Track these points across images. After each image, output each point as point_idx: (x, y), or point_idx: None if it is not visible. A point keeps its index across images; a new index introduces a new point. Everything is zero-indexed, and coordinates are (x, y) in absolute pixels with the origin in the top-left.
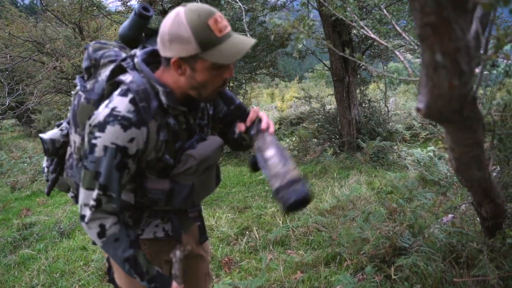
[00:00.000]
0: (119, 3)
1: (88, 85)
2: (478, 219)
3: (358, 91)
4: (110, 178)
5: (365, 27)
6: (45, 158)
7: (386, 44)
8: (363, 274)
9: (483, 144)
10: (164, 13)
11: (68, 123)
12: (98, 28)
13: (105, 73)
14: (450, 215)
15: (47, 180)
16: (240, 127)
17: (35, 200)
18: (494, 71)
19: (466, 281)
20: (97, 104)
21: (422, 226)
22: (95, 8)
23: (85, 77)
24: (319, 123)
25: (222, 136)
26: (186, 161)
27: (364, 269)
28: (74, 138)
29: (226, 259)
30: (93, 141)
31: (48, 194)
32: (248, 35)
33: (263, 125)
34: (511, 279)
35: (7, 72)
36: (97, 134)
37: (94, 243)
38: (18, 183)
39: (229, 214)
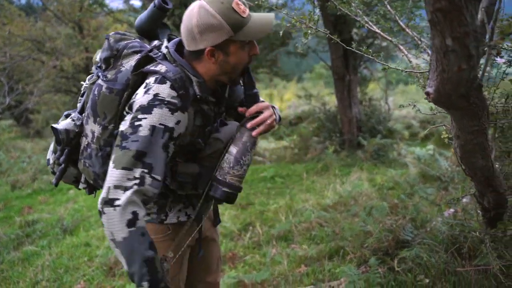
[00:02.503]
0: (120, 0)
1: (109, 75)
2: (479, 211)
3: (358, 89)
4: (157, 158)
5: (370, 23)
6: (51, 149)
7: (390, 39)
8: (366, 266)
9: (487, 132)
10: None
11: (80, 113)
12: (98, 27)
13: (129, 63)
14: (451, 209)
15: (53, 172)
16: (241, 110)
17: (37, 198)
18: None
19: (469, 271)
20: (120, 94)
21: (424, 219)
22: (96, 6)
23: (103, 67)
24: (320, 122)
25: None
26: (213, 145)
27: (368, 262)
28: (92, 128)
29: (230, 254)
30: (137, 122)
31: (56, 185)
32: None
33: (250, 123)
34: None
35: (6, 71)
36: (142, 116)
37: (108, 236)
38: (19, 181)
39: (232, 210)
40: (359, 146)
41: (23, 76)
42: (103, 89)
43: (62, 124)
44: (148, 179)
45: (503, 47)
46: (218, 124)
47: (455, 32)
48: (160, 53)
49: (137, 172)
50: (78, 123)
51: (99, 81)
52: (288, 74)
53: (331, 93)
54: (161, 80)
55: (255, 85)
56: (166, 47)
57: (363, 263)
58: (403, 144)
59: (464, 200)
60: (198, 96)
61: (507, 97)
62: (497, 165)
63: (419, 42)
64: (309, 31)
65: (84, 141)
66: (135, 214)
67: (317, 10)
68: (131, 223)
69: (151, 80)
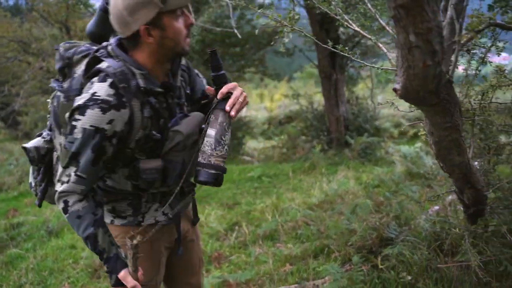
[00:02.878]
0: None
1: (65, 84)
2: (461, 207)
3: (345, 88)
4: (84, 159)
5: (350, 21)
6: (31, 172)
7: (369, 37)
8: (350, 264)
9: (461, 128)
10: None
11: (50, 129)
12: (85, 27)
13: (80, 68)
14: (436, 207)
15: (36, 194)
16: (211, 91)
17: (23, 201)
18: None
19: (450, 267)
20: None
21: (409, 217)
22: (81, 6)
23: (60, 79)
24: (308, 121)
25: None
26: (173, 138)
27: (352, 260)
28: (59, 140)
29: (216, 254)
30: (73, 123)
31: (40, 205)
32: (236, 32)
33: (228, 105)
34: (492, 263)
35: None
36: (77, 117)
37: None
38: (5, 184)
39: (218, 211)
40: (346, 145)
41: (9, 77)
42: (61, 98)
43: (32, 142)
44: (74, 178)
45: (474, 44)
46: (179, 117)
47: (418, 28)
48: (105, 51)
49: (68, 171)
50: (47, 139)
51: (57, 93)
52: (276, 74)
53: (319, 92)
54: (103, 78)
55: (222, 67)
56: (110, 44)
57: (347, 261)
58: (391, 142)
59: (450, 197)
60: (142, 89)
61: (483, 93)
62: (476, 162)
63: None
64: (286, 30)
65: (54, 155)
66: (65, 202)
67: (299, 9)
68: (64, 210)
69: (95, 79)
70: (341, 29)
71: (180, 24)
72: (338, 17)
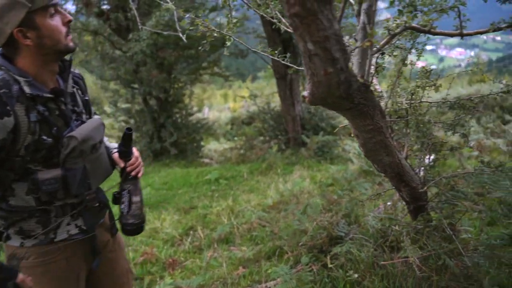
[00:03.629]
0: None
1: None
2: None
3: (301, 87)
4: None
5: (287, 24)
6: None
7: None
8: (302, 265)
9: (386, 129)
10: (101, 15)
11: None
12: None
13: None
14: (388, 203)
15: None
16: (120, 164)
17: None
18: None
19: (395, 263)
20: None
21: (358, 215)
22: None
23: None
24: (265, 121)
25: None
26: (68, 144)
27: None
28: None
29: (170, 260)
30: None
31: None
32: (182, 36)
33: (135, 171)
34: (432, 258)
35: None
36: None
37: None
38: None
39: (174, 215)
40: (303, 144)
41: None
42: None
43: None
44: None
45: (396, 46)
46: (74, 125)
47: (314, 36)
48: None
49: None
50: None
51: None
52: (239, 73)
53: (275, 92)
54: None
55: (132, 145)
56: None
57: (299, 261)
58: (348, 140)
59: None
60: (28, 95)
61: (412, 94)
62: (428, 160)
63: None
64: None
65: None
66: None
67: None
68: None
69: None
70: None
71: (56, 22)
72: (274, 20)
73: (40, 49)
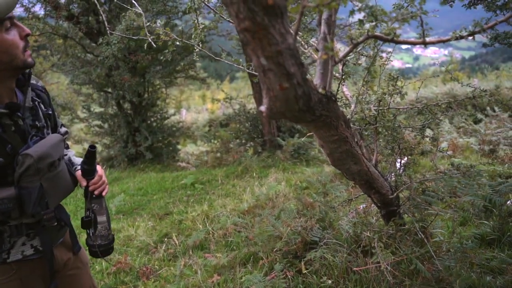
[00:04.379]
0: (21, 9)
1: None
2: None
3: None
4: None
5: None
6: None
7: None
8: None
9: (351, 139)
10: (71, 18)
11: None
12: None
13: None
14: (363, 205)
15: None
16: (82, 183)
17: None
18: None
19: (368, 269)
20: None
21: (332, 219)
22: None
23: None
24: (241, 124)
25: None
26: (23, 162)
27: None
28: None
29: (144, 268)
30: None
31: None
32: (150, 40)
33: (98, 191)
34: (404, 262)
35: None
36: None
37: None
38: None
39: (149, 222)
40: (279, 147)
41: None
42: None
43: None
44: None
45: (360, 54)
46: (32, 142)
47: (266, 51)
48: None
49: None
50: None
51: None
52: (206, 77)
53: (250, 94)
54: None
55: (95, 163)
56: None
57: (274, 268)
58: None
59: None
60: None
61: (379, 101)
62: (399, 165)
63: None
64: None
65: None
66: None
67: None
68: None
69: None
70: None
71: (12, 36)
72: (232, 23)
73: None
